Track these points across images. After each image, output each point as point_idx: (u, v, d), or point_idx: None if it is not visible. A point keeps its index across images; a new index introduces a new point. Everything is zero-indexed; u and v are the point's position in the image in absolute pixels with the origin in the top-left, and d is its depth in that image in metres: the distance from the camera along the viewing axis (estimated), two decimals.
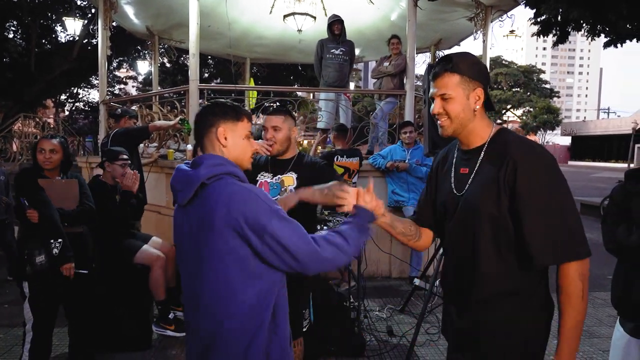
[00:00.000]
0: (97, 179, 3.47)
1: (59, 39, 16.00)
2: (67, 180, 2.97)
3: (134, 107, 6.01)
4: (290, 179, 2.32)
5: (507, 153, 1.36)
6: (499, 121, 44.10)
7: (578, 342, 1.37)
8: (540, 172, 1.33)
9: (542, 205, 1.31)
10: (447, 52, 8.81)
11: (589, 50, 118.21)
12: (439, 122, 1.48)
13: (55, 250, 2.67)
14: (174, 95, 6.22)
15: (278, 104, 7.80)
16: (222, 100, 1.61)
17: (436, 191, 1.63)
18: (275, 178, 2.32)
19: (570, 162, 51.18)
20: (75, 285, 2.84)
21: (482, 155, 1.44)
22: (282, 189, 2.31)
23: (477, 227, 1.40)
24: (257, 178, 2.35)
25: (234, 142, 1.51)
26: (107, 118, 6.63)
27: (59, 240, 2.70)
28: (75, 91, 21.73)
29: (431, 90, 1.49)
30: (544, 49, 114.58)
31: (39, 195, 2.69)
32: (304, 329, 2.42)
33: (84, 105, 23.63)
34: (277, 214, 1.34)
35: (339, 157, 4.75)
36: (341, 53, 6.05)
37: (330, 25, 6.07)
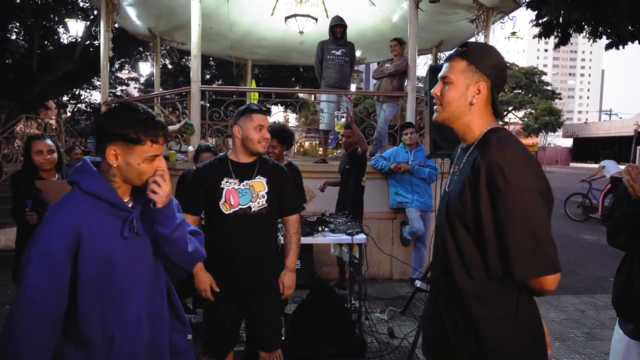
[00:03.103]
0: None
1: (61, 40, 16.04)
2: (64, 181, 2.97)
3: None
4: (260, 185, 2.23)
5: (481, 152, 1.29)
6: (500, 123, 44.01)
7: None
8: (501, 173, 1.20)
9: (499, 213, 1.21)
10: (448, 54, 8.80)
11: (591, 52, 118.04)
12: (435, 105, 1.42)
13: None
14: (176, 97, 6.23)
15: (279, 105, 7.81)
16: (137, 106, 1.39)
17: None
18: (242, 184, 2.21)
19: (572, 164, 51.11)
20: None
21: (468, 153, 1.37)
22: (253, 195, 2.21)
23: (448, 227, 1.35)
24: (222, 185, 2.19)
25: (128, 163, 1.37)
26: None
27: None
28: (77, 92, 21.77)
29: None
30: (546, 50, 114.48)
31: (37, 197, 2.68)
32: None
33: (85, 107, 23.67)
34: (27, 252, 1.27)
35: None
36: (342, 54, 6.06)
37: (332, 28, 6.08)
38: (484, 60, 1.34)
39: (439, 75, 1.40)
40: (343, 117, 4.95)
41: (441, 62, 8.53)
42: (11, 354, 1.24)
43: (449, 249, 1.35)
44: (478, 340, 1.29)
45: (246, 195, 2.20)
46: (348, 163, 4.66)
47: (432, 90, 1.42)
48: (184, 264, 1.55)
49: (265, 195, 2.23)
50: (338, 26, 6.03)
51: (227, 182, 2.20)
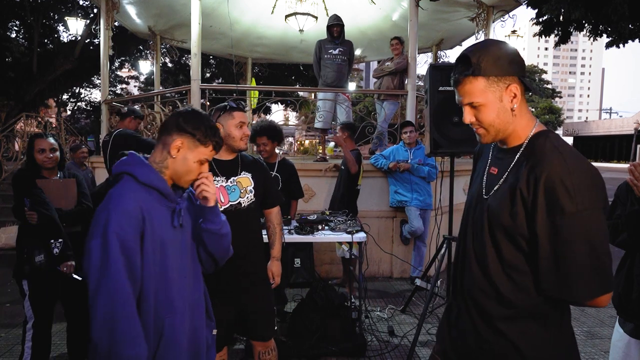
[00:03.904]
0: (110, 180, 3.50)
1: (61, 38, 16.02)
2: (65, 180, 2.98)
3: (136, 107, 6.03)
4: (246, 180, 2.30)
5: (535, 161, 1.18)
6: None
7: None
8: (565, 190, 1.11)
9: (560, 232, 1.12)
10: (448, 52, 8.81)
11: (591, 51, 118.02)
12: (475, 130, 1.31)
13: (55, 250, 2.69)
14: (176, 95, 6.24)
15: (279, 103, 7.81)
16: (203, 115, 1.55)
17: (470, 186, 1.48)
18: (230, 181, 2.27)
19: None
20: (74, 284, 2.85)
21: (516, 158, 1.25)
22: (242, 191, 2.27)
23: (490, 237, 1.27)
24: None
25: (184, 159, 1.49)
26: (110, 117, 6.65)
27: (60, 240, 2.70)
28: (77, 91, 21.76)
29: (456, 98, 1.30)
30: (546, 49, 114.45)
31: (38, 196, 2.69)
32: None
33: (85, 105, 23.66)
34: (101, 239, 1.28)
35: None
36: (339, 53, 6.05)
37: (329, 27, 6.08)
38: (499, 63, 1.21)
39: (460, 101, 1.29)
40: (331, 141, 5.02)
41: (442, 60, 8.55)
42: (118, 328, 1.26)
43: (489, 261, 1.27)
44: (520, 353, 1.23)
45: (235, 191, 2.27)
46: (344, 163, 4.70)
47: (465, 120, 1.30)
48: (222, 260, 1.68)
49: (253, 190, 2.30)
50: (335, 25, 6.03)
51: (214, 180, 2.23)
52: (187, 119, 1.49)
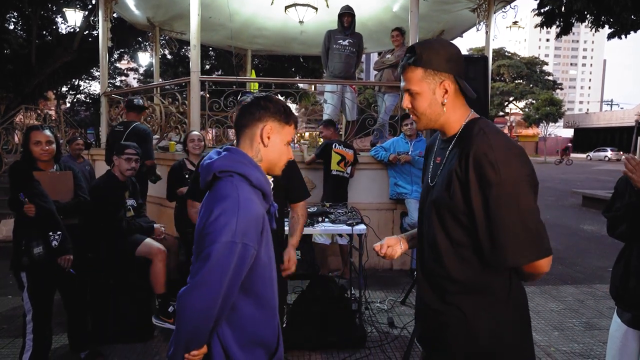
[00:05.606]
0: (109, 172, 3.51)
1: (59, 30, 15.92)
2: (62, 172, 2.98)
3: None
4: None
5: (465, 143, 1.29)
6: (500, 113, 43.92)
7: None
8: (489, 163, 1.20)
9: (490, 201, 1.21)
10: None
11: (593, 42, 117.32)
12: (411, 116, 1.44)
13: (54, 243, 2.68)
14: (175, 87, 6.21)
15: (279, 95, 7.77)
16: (275, 97, 1.50)
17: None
18: None
19: (572, 155, 50.99)
20: (72, 276, 2.86)
21: (451, 145, 1.36)
22: None
23: (437, 220, 1.35)
24: None
25: (275, 144, 1.43)
26: (109, 109, 6.64)
27: (58, 232, 2.70)
28: (76, 83, 21.68)
29: (401, 84, 1.41)
30: (547, 40, 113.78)
31: (36, 188, 2.68)
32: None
33: (85, 97, 23.59)
34: (230, 244, 1.20)
35: (337, 145, 4.88)
36: (348, 44, 6.02)
37: (340, 17, 6.04)
38: (437, 58, 1.31)
39: (402, 87, 1.39)
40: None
41: None
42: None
43: (439, 242, 1.35)
44: (471, 327, 1.31)
45: None
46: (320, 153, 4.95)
47: (402, 104, 1.42)
48: None
49: (271, 184, 2.24)
50: (346, 15, 5.99)
51: None
52: (265, 105, 1.43)
